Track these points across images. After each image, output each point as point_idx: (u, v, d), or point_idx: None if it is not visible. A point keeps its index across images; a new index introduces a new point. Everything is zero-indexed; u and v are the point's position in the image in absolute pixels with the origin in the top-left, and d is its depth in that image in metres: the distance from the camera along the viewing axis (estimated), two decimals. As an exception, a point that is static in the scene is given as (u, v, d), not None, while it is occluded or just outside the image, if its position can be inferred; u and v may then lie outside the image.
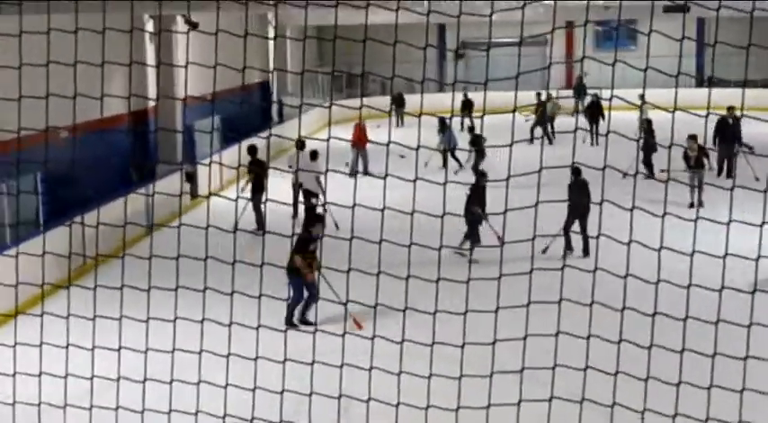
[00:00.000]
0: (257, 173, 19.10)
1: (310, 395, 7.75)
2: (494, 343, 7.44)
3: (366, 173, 24.76)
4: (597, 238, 7.52)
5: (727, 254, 7.05)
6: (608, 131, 7.47)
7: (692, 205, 19.33)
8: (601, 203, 7.41)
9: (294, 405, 8.65)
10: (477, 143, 23.64)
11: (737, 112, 22.36)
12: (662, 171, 18.16)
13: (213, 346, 7.80)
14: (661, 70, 7.72)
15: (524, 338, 7.26)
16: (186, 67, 8.10)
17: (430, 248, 8.04)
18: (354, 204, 7.70)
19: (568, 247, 16.90)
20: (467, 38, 42.55)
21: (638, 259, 7.54)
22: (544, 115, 30.74)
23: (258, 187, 19.40)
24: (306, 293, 13.78)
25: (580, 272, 7.52)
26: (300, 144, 19.84)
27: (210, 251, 7.87)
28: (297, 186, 20.37)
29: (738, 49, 8.39)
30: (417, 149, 7.62)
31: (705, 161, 20.37)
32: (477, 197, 16.88)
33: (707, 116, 7.70)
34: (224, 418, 8.00)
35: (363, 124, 25.61)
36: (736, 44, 8.48)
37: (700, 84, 41.59)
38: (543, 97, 31.86)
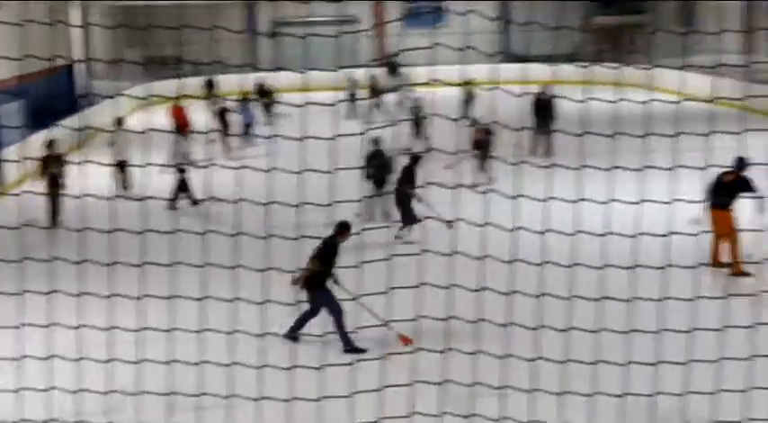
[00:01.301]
0: (51, 171, 17.96)
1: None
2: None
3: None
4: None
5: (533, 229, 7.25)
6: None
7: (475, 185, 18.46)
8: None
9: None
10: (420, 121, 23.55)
11: (550, 90, 22.80)
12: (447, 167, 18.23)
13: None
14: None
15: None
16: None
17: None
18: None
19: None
20: (277, 17, 42.29)
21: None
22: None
23: (54, 182, 18.21)
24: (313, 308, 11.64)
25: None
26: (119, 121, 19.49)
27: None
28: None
29: (542, 26, 8.69)
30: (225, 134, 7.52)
31: (487, 141, 20.24)
32: (409, 178, 16.54)
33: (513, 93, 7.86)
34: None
35: (183, 106, 25.00)
36: (541, 21, 8.75)
37: (507, 60, 42.75)
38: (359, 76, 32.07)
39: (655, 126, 8.10)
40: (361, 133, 8.57)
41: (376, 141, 17.30)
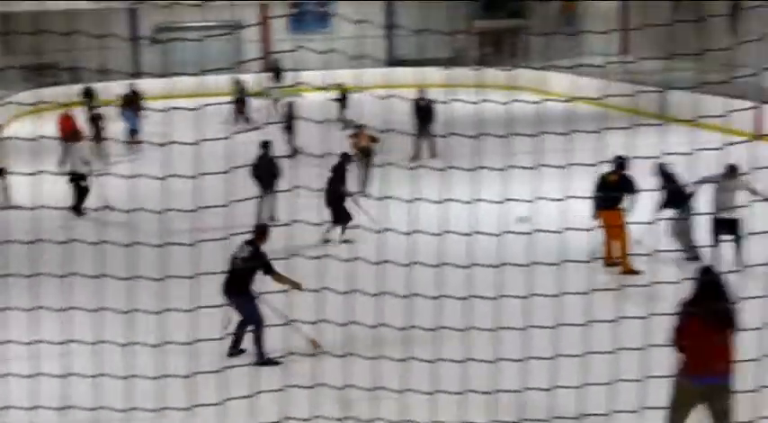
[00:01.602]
0: None
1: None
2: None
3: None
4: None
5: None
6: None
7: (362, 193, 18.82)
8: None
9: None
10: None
11: (430, 95, 23.16)
12: None
13: None
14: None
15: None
16: None
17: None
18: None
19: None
20: (161, 23, 41.84)
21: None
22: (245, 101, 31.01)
23: None
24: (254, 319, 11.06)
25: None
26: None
27: None
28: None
29: (422, 30, 8.91)
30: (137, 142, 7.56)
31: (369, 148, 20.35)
32: (340, 178, 16.57)
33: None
34: None
35: (72, 113, 24.29)
36: (419, 26, 8.95)
37: (391, 63, 43.20)
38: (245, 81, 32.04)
39: (518, 127, 8.35)
40: (226, 137, 8.59)
41: (265, 145, 17.34)
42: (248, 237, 10.86)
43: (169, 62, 39.87)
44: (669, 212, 14.45)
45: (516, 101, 7.76)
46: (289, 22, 44.18)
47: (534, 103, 8.21)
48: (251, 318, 10.72)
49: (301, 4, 44.32)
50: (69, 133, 22.74)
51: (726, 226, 13.89)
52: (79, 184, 19.01)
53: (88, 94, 32.43)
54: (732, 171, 13.82)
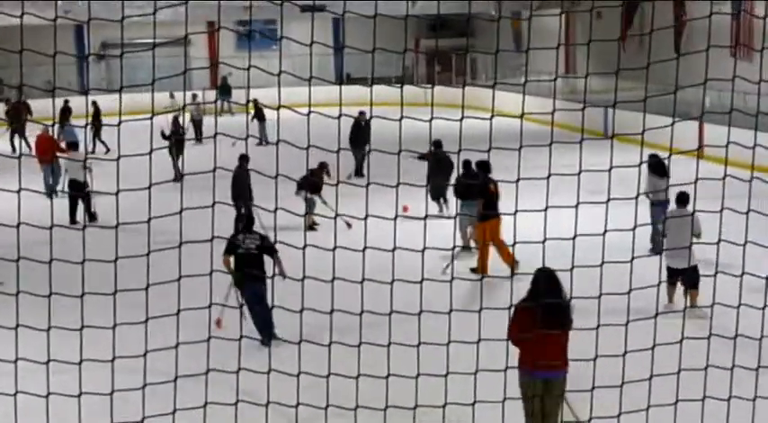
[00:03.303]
0: None
1: None
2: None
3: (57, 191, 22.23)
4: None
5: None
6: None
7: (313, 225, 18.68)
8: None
9: None
10: None
11: (366, 116, 23.18)
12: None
13: None
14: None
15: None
16: None
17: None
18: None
19: None
20: (108, 39, 41.54)
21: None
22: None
23: None
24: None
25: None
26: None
27: None
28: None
29: (369, 48, 8.90)
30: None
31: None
32: (309, 183, 17.36)
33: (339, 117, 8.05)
34: None
35: (47, 133, 23.66)
36: (365, 43, 8.96)
37: (339, 81, 43.28)
38: (180, 99, 32.15)
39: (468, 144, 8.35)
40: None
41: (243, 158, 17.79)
42: (247, 228, 12.17)
43: (115, 78, 39.58)
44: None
45: (469, 117, 7.76)
46: (237, 39, 44.12)
47: (482, 119, 8.21)
48: (264, 299, 11.58)
49: (248, 22, 44.24)
50: (50, 152, 22.32)
51: (679, 274, 13.04)
52: (78, 195, 19.58)
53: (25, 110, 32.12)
54: (682, 201, 13.21)
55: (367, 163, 22.92)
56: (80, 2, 33.49)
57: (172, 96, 32.42)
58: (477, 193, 15.10)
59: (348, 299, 7.99)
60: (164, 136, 22.58)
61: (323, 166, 18.77)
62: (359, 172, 23.94)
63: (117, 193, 7.59)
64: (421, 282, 8.03)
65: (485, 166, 15.03)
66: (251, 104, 30.44)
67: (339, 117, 7.84)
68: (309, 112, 7.57)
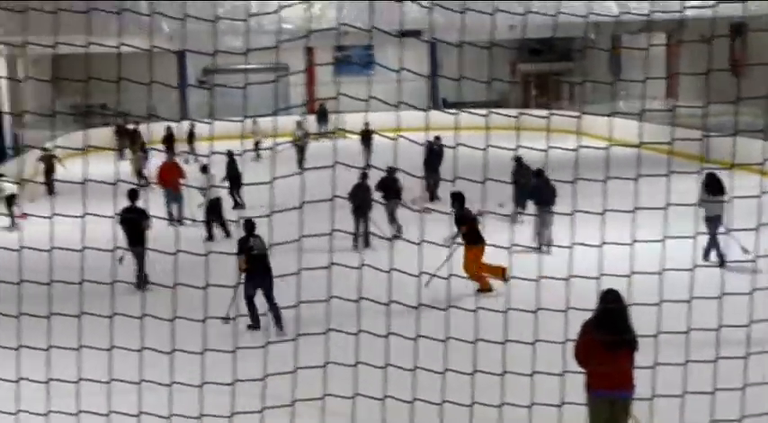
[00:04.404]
0: None
1: None
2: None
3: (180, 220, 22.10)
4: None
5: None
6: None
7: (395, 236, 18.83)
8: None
9: None
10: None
11: (441, 141, 22.99)
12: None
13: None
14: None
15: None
16: None
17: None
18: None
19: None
20: (209, 65, 42.36)
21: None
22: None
23: None
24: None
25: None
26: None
27: None
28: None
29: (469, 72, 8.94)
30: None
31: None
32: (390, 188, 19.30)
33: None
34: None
35: (173, 161, 23.46)
36: (462, 67, 8.97)
37: (430, 107, 43.37)
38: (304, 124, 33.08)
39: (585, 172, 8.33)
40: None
41: (363, 176, 19.04)
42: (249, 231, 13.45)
43: (216, 103, 40.28)
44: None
45: (553, 147, 7.73)
46: (333, 67, 44.70)
47: (571, 149, 8.18)
48: (272, 290, 13.35)
49: (346, 48, 44.76)
50: (168, 178, 22.15)
51: None
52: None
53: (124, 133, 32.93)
54: None
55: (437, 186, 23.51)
56: (182, 28, 34.31)
57: (255, 122, 32.85)
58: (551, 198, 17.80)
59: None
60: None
61: (392, 171, 19.03)
62: (433, 196, 23.98)
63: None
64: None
65: (459, 198, 15.53)
66: (341, 130, 30.94)
67: (431, 144, 7.89)
68: (397, 137, 7.68)
